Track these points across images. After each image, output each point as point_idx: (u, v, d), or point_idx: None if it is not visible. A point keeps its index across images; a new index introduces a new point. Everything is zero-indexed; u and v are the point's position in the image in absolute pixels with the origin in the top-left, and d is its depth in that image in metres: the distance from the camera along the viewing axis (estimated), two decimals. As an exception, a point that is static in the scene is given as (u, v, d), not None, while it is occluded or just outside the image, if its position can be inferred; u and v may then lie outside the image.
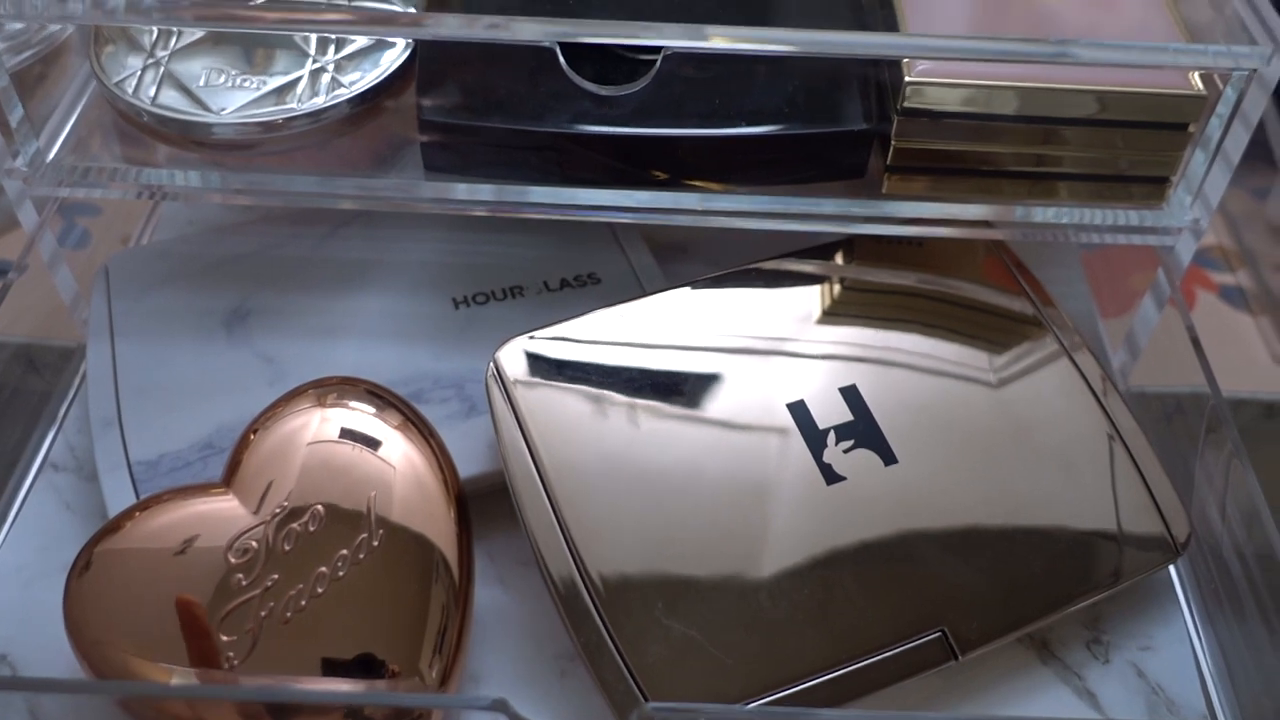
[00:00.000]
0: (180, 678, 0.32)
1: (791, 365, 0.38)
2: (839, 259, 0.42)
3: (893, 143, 0.39)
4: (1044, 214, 0.40)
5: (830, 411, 0.37)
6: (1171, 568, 0.39)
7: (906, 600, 0.34)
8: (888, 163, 0.39)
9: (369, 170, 0.42)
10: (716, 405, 0.37)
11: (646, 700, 0.32)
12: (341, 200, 0.40)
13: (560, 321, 0.39)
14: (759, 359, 0.38)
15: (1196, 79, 0.38)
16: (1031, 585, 0.35)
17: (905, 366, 0.39)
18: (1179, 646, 0.38)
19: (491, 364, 0.37)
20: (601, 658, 0.33)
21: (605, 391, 0.37)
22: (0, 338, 0.42)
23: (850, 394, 0.38)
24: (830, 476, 0.36)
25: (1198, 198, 0.40)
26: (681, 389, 0.37)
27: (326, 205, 0.40)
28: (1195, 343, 0.41)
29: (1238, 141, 0.38)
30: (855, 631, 0.34)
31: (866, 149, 0.40)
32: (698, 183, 0.40)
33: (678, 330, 0.39)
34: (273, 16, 0.38)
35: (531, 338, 0.38)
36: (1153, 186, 0.40)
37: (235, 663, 0.32)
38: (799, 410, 0.37)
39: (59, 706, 0.35)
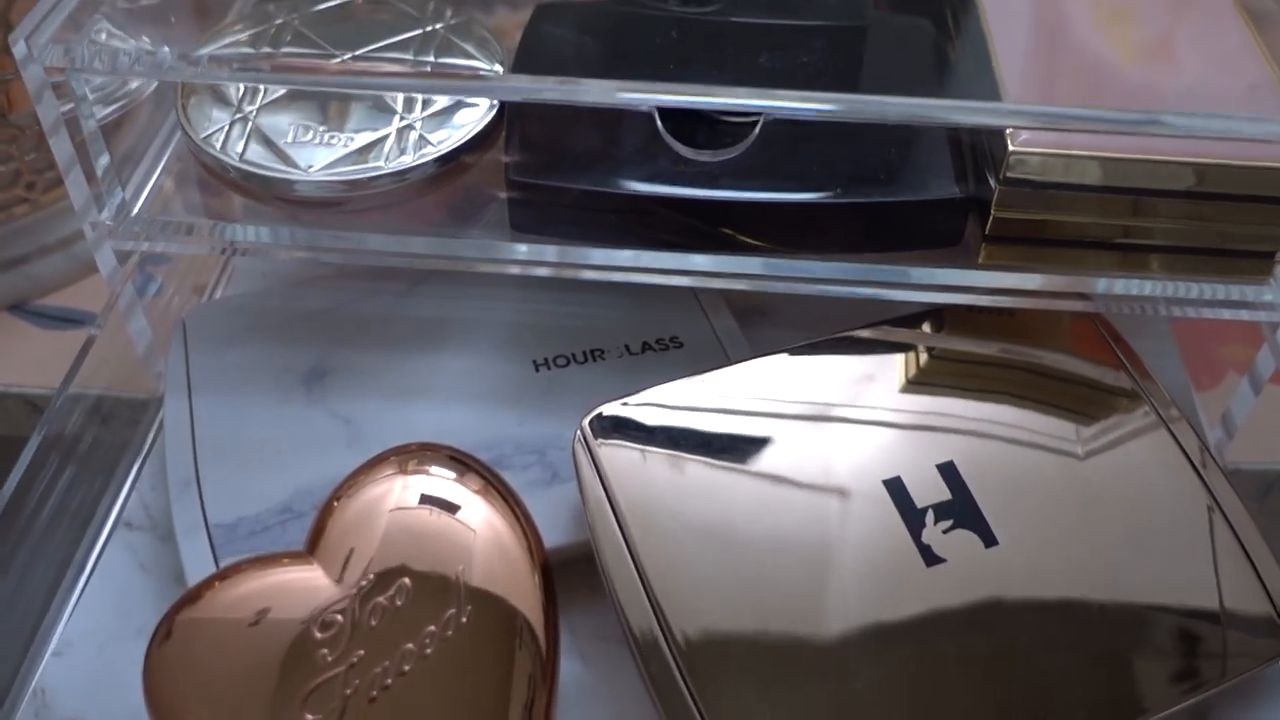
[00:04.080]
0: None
1: (887, 439, 0.37)
2: (928, 328, 0.41)
3: (993, 212, 0.38)
4: (1146, 287, 0.39)
5: (928, 490, 0.36)
6: None
7: (1007, 692, 0.33)
8: (986, 232, 0.38)
9: (453, 229, 0.41)
10: (811, 479, 0.36)
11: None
12: (428, 260, 0.40)
13: (648, 388, 0.38)
14: (854, 430, 0.37)
15: (1310, 152, 0.37)
16: (1138, 680, 0.34)
17: (1003, 440, 0.38)
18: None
19: (578, 431, 0.37)
20: None
21: (695, 460, 0.36)
22: (76, 390, 0.41)
23: (948, 471, 0.36)
24: (930, 558, 0.35)
25: (1306, 273, 0.39)
26: (774, 460, 0.36)
27: (412, 265, 0.40)
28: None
29: (1349, 216, 0.37)
30: (955, 722, 0.33)
31: (963, 217, 0.39)
32: (789, 249, 0.39)
33: (770, 398, 0.38)
34: (386, 76, 0.38)
35: (624, 404, 0.37)
36: (1259, 261, 0.39)
37: None
38: (896, 488, 0.36)
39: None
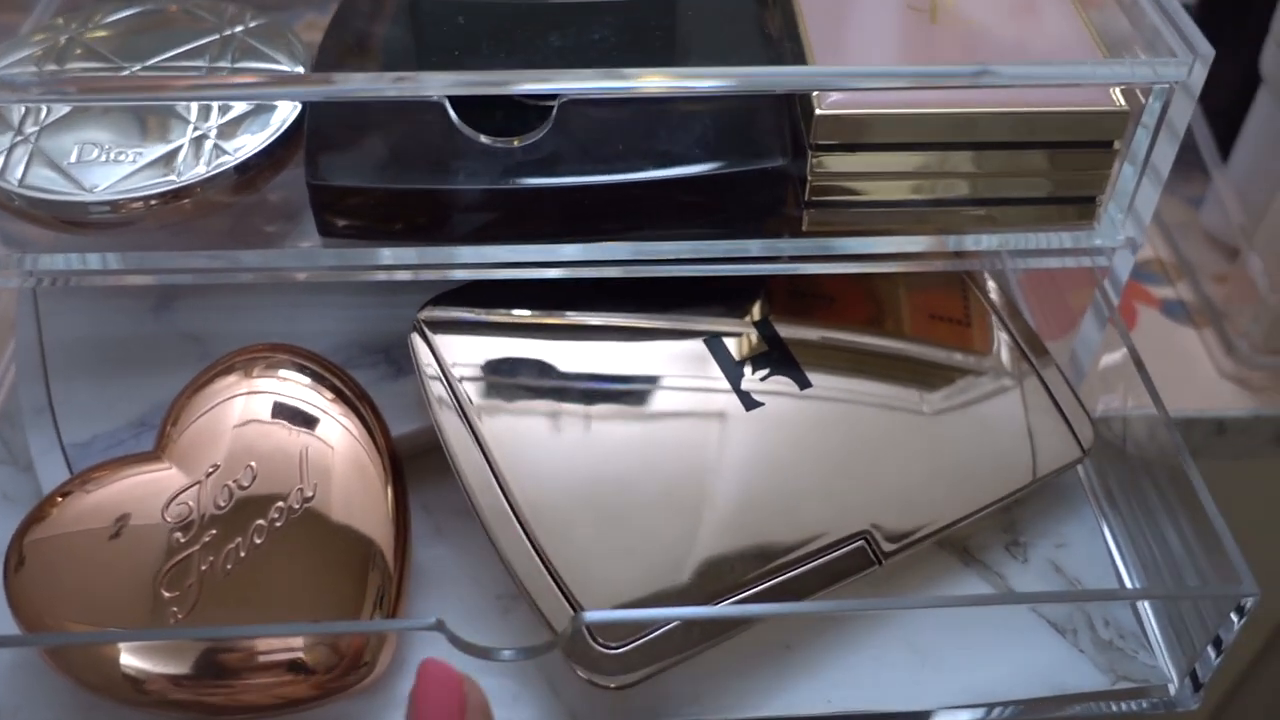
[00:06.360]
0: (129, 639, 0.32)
1: (708, 296, 0.41)
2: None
3: (808, 179, 0.37)
4: (973, 241, 0.38)
5: (746, 346, 0.39)
6: (1080, 468, 0.41)
7: (828, 513, 0.36)
8: (805, 199, 0.37)
9: (266, 239, 0.40)
10: (633, 346, 0.39)
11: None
12: (243, 275, 0.38)
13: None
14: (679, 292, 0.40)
15: (1118, 94, 0.36)
16: (948, 492, 0.37)
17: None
18: (1092, 541, 0.40)
19: (414, 321, 0.38)
20: (537, 582, 0.34)
21: (527, 339, 0.39)
22: None
23: (764, 327, 0.40)
24: (749, 403, 0.38)
25: (1129, 214, 0.38)
26: (597, 333, 0.39)
27: (226, 280, 0.38)
28: (1138, 364, 0.39)
29: (1166, 154, 0.37)
30: (779, 546, 0.35)
31: (783, 186, 0.38)
32: (608, 231, 0.38)
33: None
34: (181, 84, 0.36)
35: (457, 292, 0.39)
36: (1083, 206, 0.38)
37: (180, 616, 0.32)
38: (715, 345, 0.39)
39: (11, 692, 0.35)
